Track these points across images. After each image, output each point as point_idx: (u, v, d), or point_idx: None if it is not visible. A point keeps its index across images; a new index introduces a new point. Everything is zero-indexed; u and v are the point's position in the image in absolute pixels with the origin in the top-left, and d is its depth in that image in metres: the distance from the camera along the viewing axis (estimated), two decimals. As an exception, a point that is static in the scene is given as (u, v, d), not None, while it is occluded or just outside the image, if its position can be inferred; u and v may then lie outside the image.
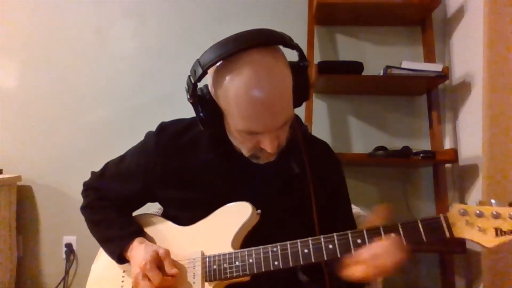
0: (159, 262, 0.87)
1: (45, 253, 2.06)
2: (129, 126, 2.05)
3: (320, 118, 1.99)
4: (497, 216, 0.69)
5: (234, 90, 0.74)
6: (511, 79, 1.42)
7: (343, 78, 1.81)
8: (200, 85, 0.82)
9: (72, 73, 2.10)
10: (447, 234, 0.71)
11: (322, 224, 0.84)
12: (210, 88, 0.82)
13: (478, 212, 0.70)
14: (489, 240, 0.69)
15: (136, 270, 0.86)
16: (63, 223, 2.03)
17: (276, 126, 0.78)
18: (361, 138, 2.01)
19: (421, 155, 1.76)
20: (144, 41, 2.10)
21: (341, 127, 2.02)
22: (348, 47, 2.04)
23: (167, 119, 1.05)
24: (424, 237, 0.72)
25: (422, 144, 1.94)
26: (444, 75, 1.74)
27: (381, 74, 1.77)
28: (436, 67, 1.76)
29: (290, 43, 0.80)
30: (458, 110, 1.85)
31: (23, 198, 2.06)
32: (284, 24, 2.01)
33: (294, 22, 2.01)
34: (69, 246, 2.02)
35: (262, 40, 0.76)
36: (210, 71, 0.79)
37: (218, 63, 0.76)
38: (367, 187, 1.98)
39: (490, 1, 1.47)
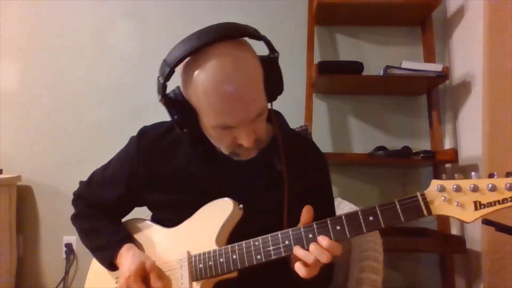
0: (144, 273, 0.87)
1: (45, 253, 2.06)
2: (129, 126, 2.01)
3: (320, 118, 1.99)
4: (475, 189, 0.66)
5: (202, 85, 0.75)
6: (511, 79, 1.42)
7: (343, 78, 1.81)
8: (173, 86, 0.83)
9: (72, 73, 2.10)
10: (425, 213, 0.69)
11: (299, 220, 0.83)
12: (181, 87, 0.83)
13: (455, 186, 0.67)
14: (468, 215, 0.66)
15: (121, 281, 0.87)
16: (63, 223, 2.01)
17: (249, 118, 0.78)
18: (361, 138, 2.01)
19: (421, 155, 1.76)
20: (144, 41, 2.10)
21: (341, 127, 2.02)
22: (348, 47, 2.03)
23: (167, 119, 1.05)
24: (402, 218, 0.71)
25: (422, 144, 1.94)
26: (444, 75, 1.74)
27: (381, 74, 1.76)
28: (436, 67, 1.76)
29: (254, 35, 0.80)
30: (458, 110, 1.85)
31: (23, 198, 2.06)
32: (284, 24, 2.02)
33: (294, 22, 2.01)
34: (69, 246, 2.02)
35: (226, 33, 0.76)
36: (179, 70, 0.80)
37: (185, 61, 0.77)
38: (367, 187, 1.98)
39: (490, 1, 1.47)
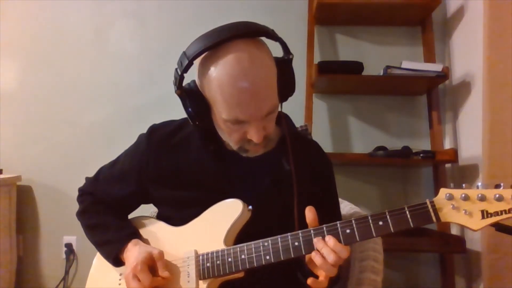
0: (151, 263, 0.87)
1: (45, 253, 2.06)
2: (129, 126, 2.05)
3: (320, 118, 1.99)
4: (482, 198, 0.69)
5: (218, 78, 0.77)
6: (511, 79, 1.42)
7: (343, 78, 1.81)
8: (188, 80, 0.84)
9: (72, 73, 2.10)
10: (434, 219, 0.71)
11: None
12: (196, 81, 0.85)
13: (463, 195, 0.70)
14: (476, 223, 0.69)
15: (127, 271, 0.87)
16: (63, 223, 2.03)
17: (261, 114, 0.80)
18: (361, 138, 2.01)
19: (421, 155, 1.76)
20: (144, 42, 2.10)
21: (341, 127, 2.02)
22: (348, 47, 2.04)
23: (167, 119, 1.05)
24: (411, 223, 0.72)
25: (422, 144, 1.94)
26: (444, 75, 1.74)
27: (381, 74, 1.76)
28: (436, 67, 1.76)
29: (273, 35, 0.82)
30: (458, 110, 1.85)
31: (23, 198, 2.06)
32: (284, 24, 2.01)
33: (294, 22, 2.01)
34: (69, 246, 2.03)
35: (246, 31, 0.79)
36: (196, 63, 0.82)
37: (204, 54, 0.79)
38: (367, 187, 1.98)
39: (490, 1, 1.47)
